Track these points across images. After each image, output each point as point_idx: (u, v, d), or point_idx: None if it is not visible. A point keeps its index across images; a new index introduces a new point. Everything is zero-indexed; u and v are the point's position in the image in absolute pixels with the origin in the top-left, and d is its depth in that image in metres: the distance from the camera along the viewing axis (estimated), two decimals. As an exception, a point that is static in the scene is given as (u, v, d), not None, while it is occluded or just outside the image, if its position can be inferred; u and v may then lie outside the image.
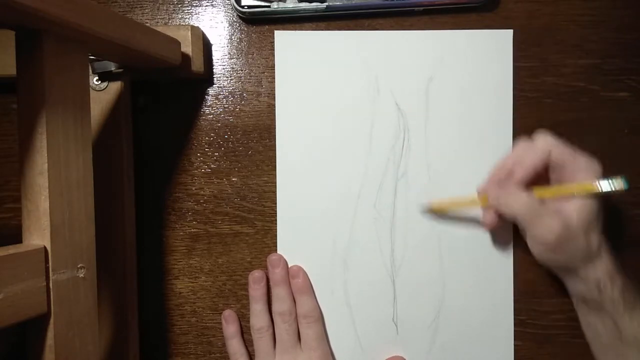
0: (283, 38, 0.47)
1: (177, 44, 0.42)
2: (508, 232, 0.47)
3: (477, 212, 0.46)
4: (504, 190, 0.41)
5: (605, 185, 0.39)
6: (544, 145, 0.41)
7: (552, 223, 0.39)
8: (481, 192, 0.45)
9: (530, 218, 0.40)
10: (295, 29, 0.48)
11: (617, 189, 0.38)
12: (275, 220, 0.47)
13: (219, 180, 0.48)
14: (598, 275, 0.40)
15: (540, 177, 0.42)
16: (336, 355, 0.47)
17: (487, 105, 0.47)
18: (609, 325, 0.40)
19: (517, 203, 0.40)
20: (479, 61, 0.47)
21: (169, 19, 0.48)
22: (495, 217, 0.43)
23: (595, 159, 0.40)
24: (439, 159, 0.47)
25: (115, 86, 0.43)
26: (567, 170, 0.40)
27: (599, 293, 0.40)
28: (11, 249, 0.28)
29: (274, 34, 0.47)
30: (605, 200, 0.41)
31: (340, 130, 0.47)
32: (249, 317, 0.46)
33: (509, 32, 0.47)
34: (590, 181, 0.39)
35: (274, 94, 0.47)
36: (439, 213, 0.47)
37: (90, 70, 0.41)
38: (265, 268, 0.47)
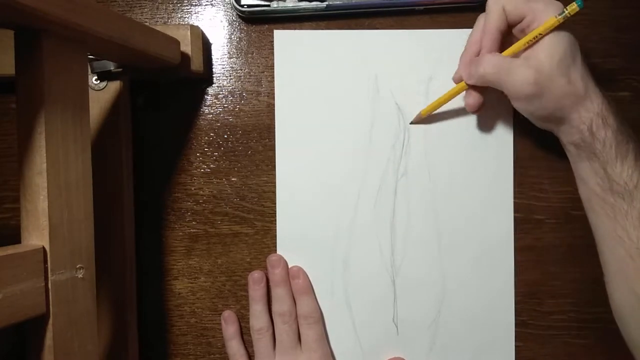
0: (282, 37, 0.47)
1: (176, 43, 0.42)
2: (508, 232, 0.47)
3: (475, 211, 0.46)
4: (473, 60, 0.41)
5: (558, 14, 0.38)
6: (496, 4, 0.40)
7: (524, 72, 0.38)
8: (457, 77, 0.44)
9: (502, 75, 0.39)
10: (295, 28, 0.47)
11: (571, 11, 0.37)
12: (275, 220, 0.47)
13: (218, 180, 0.48)
14: (590, 116, 0.38)
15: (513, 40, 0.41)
16: (336, 356, 0.47)
17: (486, 104, 0.47)
18: (600, 173, 0.38)
19: (485, 66, 0.40)
20: (479, 61, 0.47)
21: (168, 18, 0.48)
22: (477, 95, 0.43)
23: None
24: (439, 158, 0.47)
25: (115, 86, 0.43)
26: (529, 19, 0.39)
27: (592, 136, 0.38)
28: (10, 249, 0.28)
29: (273, 33, 0.47)
30: (575, 39, 0.39)
31: (340, 129, 0.47)
32: (248, 318, 0.46)
33: (509, 32, 0.47)
34: (548, 17, 0.38)
35: (274, 94, 0.47)
36: (428, 117, 0.46)
37: (90, 70, 0.41)
38: (265, 268, 0.47)
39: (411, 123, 0.47)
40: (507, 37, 0.42)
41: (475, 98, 0.43)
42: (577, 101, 0.38)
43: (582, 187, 0.41)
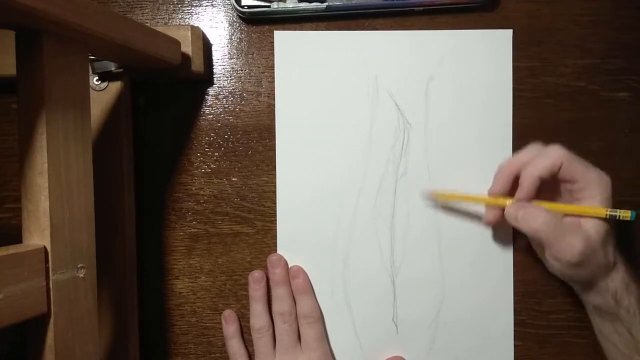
0: (283, 38, 0.47)
1: (177, 44, 0.42)
2: (508, 232, 0.47)
3: (476, 208, 0.46)
4: (524, 208, 0.41)
5: (613, 215, 0.39)
6: (557, 155, 0.40)
7: (574, 241, 0.39)
8: (495, 191, 0.44)
9: (552, 237, 0.40)
10: (295, 29, 0.48)
11: (623, 218, 0.39)
12: (275, 220, 0.47)
13: (219, 180, 0.48)
14: (615, 285, 0.40)
15: (545, 184, 0.42)
16: (336, 355, 0.47)
17: (486, 105, 0.47)
18: (624, 335, 0.40)
19: (540, 223, 0.40)
20: (479, 61, 0.47)
21: (169, 19, 0.48)
22: (499, 217, 0.43)
23: (605, 174, 0.40)
24: (439, 158, 0.47)
25: (115, 86, 0.43)
26: (580, 186, 0.40)
27: (615, 303, 0.40)
28: (11, 249, 0.28)
29: (273, 34, 0.47)
30: None
31: (340, 130, 0.47)
32: (249, 317, 0.46)
33: (509, 32, 0.47)
34: (600, 207, 0.40)
35: (274, 94, 0.47)
36: (440, 203, 0.46)
37: (90, 70, 0.41)
38: (265, 268, 0.47)
39: (422, 192, 0.47)
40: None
41: (496, 218, 0.44)
42: (607, 271, 0.40)
43: (604, 341, 0.43)
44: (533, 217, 0.40)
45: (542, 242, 0.41)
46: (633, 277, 0.41)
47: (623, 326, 0.40)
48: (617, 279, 0.40)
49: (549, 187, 0.42)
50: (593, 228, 0.40)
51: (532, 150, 0.42)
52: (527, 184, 0.41)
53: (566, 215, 0.41)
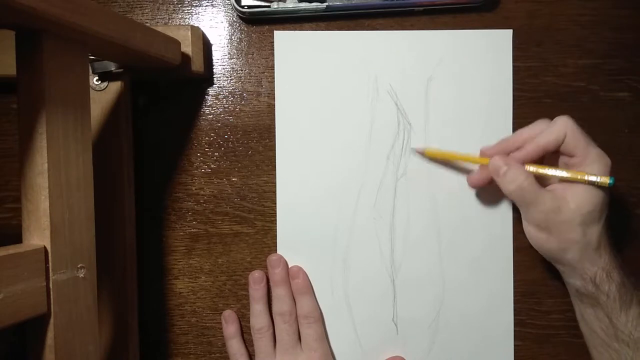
0: (283, 38, 0.47)
1: (177, 44, 0.42)
2: (508, 232, 0.47)
3: (475, 211, 0.46)
4: (508, 166, 0.41)
5: (592, 177, 0.39)
6: (562, 127, 0.40)
7: (545, 200, 0.39)
8: (484, 154, 0.44)
9: (525, 200, 0.40)
10: (295, 29, 0.48)
11: (601, 182, 0.39)
12: (275, 220, 0.47)
13: (219, 180, 0.48)
14: (595, 270, 0.40)
15: (547, 156, 0.42)
16: (336, 355, 0.47)
17: (486, 104, 0.47)
18: (604, 321, 0.40)
19: (515, 185, 0.40)
20: (479, 61, 0.47)
21: (169, 19, 0.48)
22: (485, 180, 0.43)
23: (606, 155, 0.40)
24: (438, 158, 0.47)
25: (115, 86, 0.43)
26: (576, 159, 0.40)
27: (595, 288, 0.40)
28: (11, 249, 0.28)
29: (273, 34, 0.47)
30: (609, 198, 0.41)
31: (340, 130, 0.47)
32: (249, 317, 0.47)
33: (509, 32, 0.47)
34: (584, 172, 0.39)
35: (274, 94, 0.47)
36: (432, 158, 0.46)
37: (90, 70, 0.41)
38: (265, 268, 0.47)
39: (412, 148, 0.47)
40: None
41: (482, 180, 0.44)
42: (586, 252, 0.40)
43: (584, 327, 0.43)
44: (511, 179, 0.40)
45: (515, 201, 0.41)
46: (617, 264, 0.40)
47: (603, 312, 0.40)
48: (599, 264, 0.40)
49: (548, 159, 0.42)
50: (574, 202, 0.39)
51: (540, 125, 0.42)
52: (530, 149, 0.41)
53: (552, 182, 0.41)
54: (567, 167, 0.41)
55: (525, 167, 0.41)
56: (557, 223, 0.39)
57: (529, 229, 0.42)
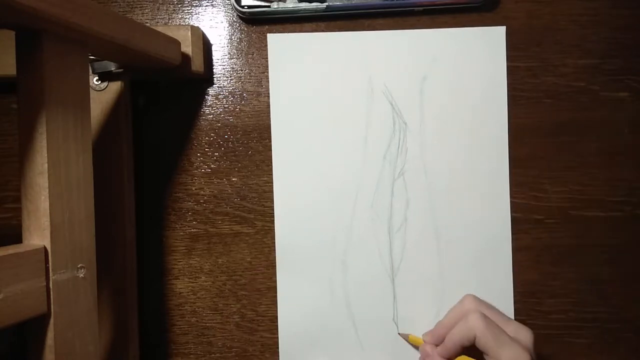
0: (276, 40, 0.47)
1: (177, 44, 0.42)
2: (508, 232, 0.47)
3: (474, 211, 0.47)
4: (429, 358, 0.42)
5: None
6: (471, 327, 0.40)
7: None
8: (424, 336, 0.45)
9: None
10: (295, 29, 0.48)
11: None
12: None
13: (219, 180, 0.48)
14: None
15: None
16: (336, 355, 0.47)
17: (481, 102, 0.47)
18: None
19: None
20: (473, 58, 0.47)
21: (169, 19, 0.48)
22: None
23: (523, 350, 0.38)
24: (435, 157, 0.47)
25: (115, 86, 0.43)
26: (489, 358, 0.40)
27: None
28: (11, 249, 0.28)
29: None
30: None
31: (336, 131, 0.47)
32: (249, 317, 0.46)
33: (502, 29, 0.47)
34: None
35: (274, 94, 0.47)
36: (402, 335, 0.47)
37: (90, 70, 0.41)
38: (265, 268, 0.47)
39: (399, 334, 0.47)
40: None
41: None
42: None
43: None
44: None
45: None
46: None
47: None
48: None
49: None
50: None
51: (456, 315, 0.42)
52: (449, 346, 0.41)
53: None
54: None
55: None
56: None
57: None
